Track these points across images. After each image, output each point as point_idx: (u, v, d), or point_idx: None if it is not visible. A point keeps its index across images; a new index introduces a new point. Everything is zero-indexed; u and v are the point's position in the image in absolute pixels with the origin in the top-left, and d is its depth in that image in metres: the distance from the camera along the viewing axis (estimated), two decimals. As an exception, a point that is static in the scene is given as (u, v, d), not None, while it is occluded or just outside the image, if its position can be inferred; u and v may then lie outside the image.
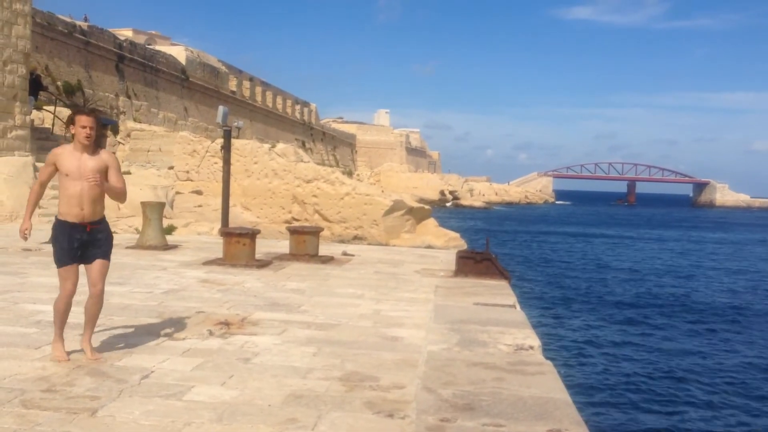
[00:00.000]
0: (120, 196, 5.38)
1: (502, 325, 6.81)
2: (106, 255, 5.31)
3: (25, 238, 5.34)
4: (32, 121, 20.29)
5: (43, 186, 5.30)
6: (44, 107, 24.70)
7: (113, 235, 5.53)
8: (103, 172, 5.21)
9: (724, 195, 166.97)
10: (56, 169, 5.17)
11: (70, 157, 5.15)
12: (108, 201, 5.43)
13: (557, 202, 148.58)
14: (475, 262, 10.21)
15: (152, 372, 5.00)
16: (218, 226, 16.24)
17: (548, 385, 4.92)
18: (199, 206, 22.62)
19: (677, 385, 13.71)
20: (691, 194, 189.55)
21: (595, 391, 12.74)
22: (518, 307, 8.12)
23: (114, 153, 5.02)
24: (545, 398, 4.59)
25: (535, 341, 6.15)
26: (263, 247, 12.86)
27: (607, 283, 28.16)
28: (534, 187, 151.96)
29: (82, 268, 5.31)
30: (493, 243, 10.83)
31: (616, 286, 27.62)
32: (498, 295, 8.76)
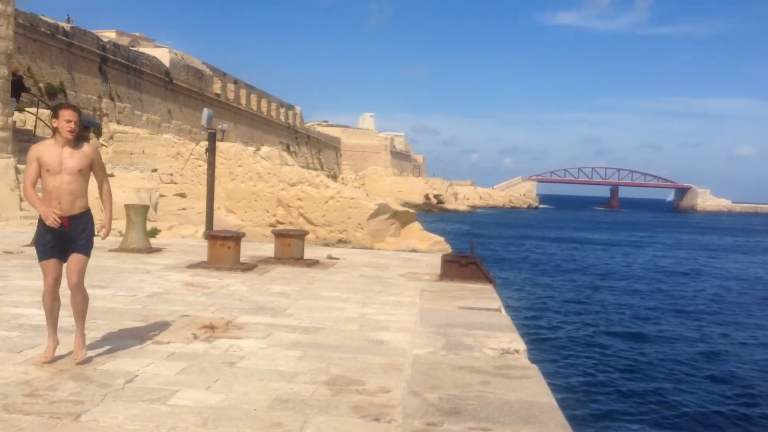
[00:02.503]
0: (110, 201, 5.45)
1: (488, 329, 6.83)
2: (82, 249, 5.21)
3: (56, 222, 5.03)
4: (14, 122, 20.08)
5: (34, 185, 5.15)
6: (26, 109, 24.47)
7: (95, 234, 5.42)
8: (86, 168, 5.19)
9: (706, 200, 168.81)
10: (40, 165, 5.11)
11: (51, 151, 5.11)
12: (93, 201, 5.37)
13: (541, 206, 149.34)
14: (460, 266, 10.24)
15: (136, 376, 4.96)
16: (202, 229, 16.16)
17: (534, 389, 4.94)
18: (183, 209, 22.52)
19: (663, 388, 13.79)
20: (668, 199, 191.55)
21: (580, 395, 12.79)
22: (503, 310, 8.14)
23: (97, 148, 5.04)
24: (531, 402, 4.60)
25: (520, 345, 6.17)
26: (248, 250, 12.82)
27: (592, 287, 28.31)
28: (518, 192, 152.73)
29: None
30: (477, 247, 10.85)
31: (601, 289, 27.77)
32: (483, 298, 8.78)
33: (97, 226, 5.37)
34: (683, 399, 13.15)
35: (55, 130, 5.18)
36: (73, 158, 5.11)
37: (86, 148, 5.25)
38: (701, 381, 14.44)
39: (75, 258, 5.20)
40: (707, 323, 21.23)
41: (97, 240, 5.44)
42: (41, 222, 5.16)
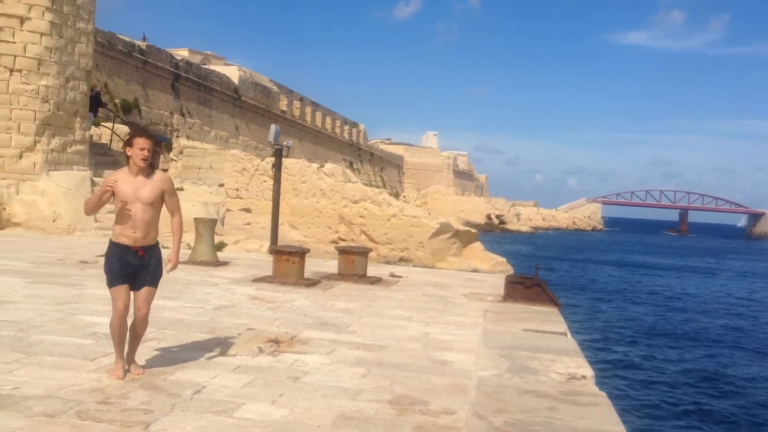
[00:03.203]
0: (180, 233, 5.48)
1: (554, 353, 6.69)
2: (153, 282, 5.30)
3: (113, 184, 5.11)
4: (91, 136, 20.87)
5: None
6: (102, 123, 25.41)
7: (162, 251, 5.48)
8: (159, 197, 5.23)
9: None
10: (112, 196, 5.18)
11: (125, 182, 5.15)
12: (162, 216, 5.48)
13: (606, 229, 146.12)
14: (524, 288, 10.08)
15: (204, 387, 5.04)
16: (267, 243, 16.40)
17: (603, 416, 4.80)
18: (248, 224, 22.90)
19: (737, 417, 13.24)
20: (738, 225, 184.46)
21: (648, 425, 12.38)
22: (569, 334, 7.97)
23: (167, 171, 5.16)
24: (600, 431, 4.47)
25: (588, 371, 6.02)
26: (311, 266, 12.93)
27: (661, 314, 27.46)
28: (582, 213, 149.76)
29: None
30: (540, 269, 10.67)
31: (672, 317, 26.90)
32: (548, 321, 8.62)
33: (164, 260, 5.39)
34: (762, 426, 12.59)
35: (128, 158, 5.21)
36: (146, 188, 5.17)
37: (158, 176, 5.28)
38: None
39: (146, 291, 5.26)
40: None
41: (166, 252, 5.53)
42: (113, 248, 5.19)
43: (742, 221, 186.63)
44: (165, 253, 5.45)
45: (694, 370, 17.63)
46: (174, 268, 5.48)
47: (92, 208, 5.33)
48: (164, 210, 5.37)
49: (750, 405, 14.57)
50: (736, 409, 14.18)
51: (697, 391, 15.40)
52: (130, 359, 5.35)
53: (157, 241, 5.36)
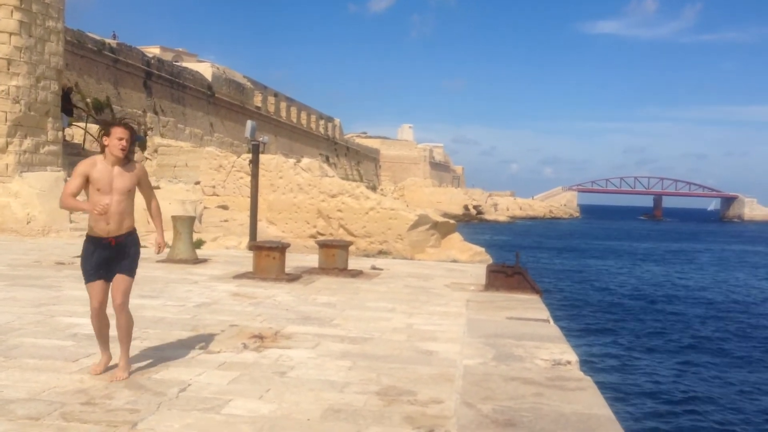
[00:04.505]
0: (159, 217, 5.47)
1: (537, 340, 6.73)
2: (127, 270, 5.14)
3: (105, 210, 4.91)
4: (64, 136, 20.57)
5: (74, 197, 5.05)
6: (75, 123, 25.06)
7: (141, 249, 5.39)
8: (134, 187, 5.14)
9: (753, 209, 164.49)
10: (86, 181, 5.01)
11: (102, 170, 5.00)
12: (138, 214, 5.41)
13: (582, 216, 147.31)
14: (506, 276, 10.14)
15: (189, 385, 4.99)
16: (245, 240, 16.31)
17: (589, 400, 4.84)
18: (225, 221, 22.75)
19: (719, 398, 13.47)
20: (709, 208, 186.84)
21: (633, 407, 12.52)
22: (552, 321, 8.02)
23: (143, 165, 5.06)
24: (588, 414, 4.51)
25: (572, 356, 6.07)
26: (291, 261, 12.87)
27: (639, 298, 27.79)
28: (558, 202, 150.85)
29: None
30: (520, 257, 10.73)
31: (651, 301, 27.23)
32: (530, 309, 8.67)
33: (153, 248, 5.38)
34: (744, 410, 12.79)
35: (104, 148, 5.05)
36: (122, 178, 5.03)
37: (134, 167, 5.16)
38: (758, 398, 14.04)
39: (120, 278, 5.12)
40: None
41: (144, 251, 5.48)
42: (87, 241, 5.09)
43: (712, 205, 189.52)
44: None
45: (675, 351, 17.87)
46: (162, 249, 5.51)
47: (68, 197, 5.02)
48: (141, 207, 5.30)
49: (729, 385, 14.80)
50: (717, 389, 14.40)
51: (679, 372, 15.61)
52: (121, 364, 5.17)
53: (134, 229, 5.23)
